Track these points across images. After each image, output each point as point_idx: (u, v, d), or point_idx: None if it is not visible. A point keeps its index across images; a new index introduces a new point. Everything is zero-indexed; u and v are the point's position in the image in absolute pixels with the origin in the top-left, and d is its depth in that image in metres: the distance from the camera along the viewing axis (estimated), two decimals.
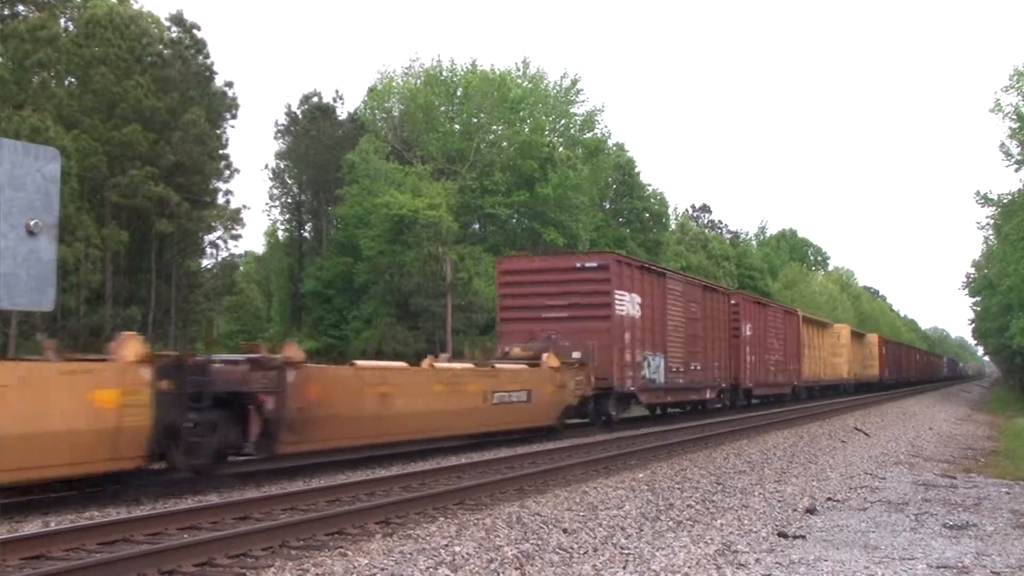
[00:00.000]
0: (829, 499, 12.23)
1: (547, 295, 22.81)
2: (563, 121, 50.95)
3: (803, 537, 9.44)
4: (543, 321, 22.62)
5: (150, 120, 34.90)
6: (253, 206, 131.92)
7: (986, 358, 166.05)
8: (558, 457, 15.88)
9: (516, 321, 23.07)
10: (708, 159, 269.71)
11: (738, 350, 31.61)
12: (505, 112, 45.63)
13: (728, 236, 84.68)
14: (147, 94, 34.65)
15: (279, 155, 49.64)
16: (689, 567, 7.88)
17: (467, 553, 8.01)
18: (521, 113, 47.02)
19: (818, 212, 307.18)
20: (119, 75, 34.04)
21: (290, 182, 49.90)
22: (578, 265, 23.42)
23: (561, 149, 46.23)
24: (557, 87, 49.99)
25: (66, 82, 35.24)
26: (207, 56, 39.59)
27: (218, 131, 39.52)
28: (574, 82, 50.36)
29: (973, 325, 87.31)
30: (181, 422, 11.49)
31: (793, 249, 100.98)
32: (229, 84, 41.17)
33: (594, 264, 23.24)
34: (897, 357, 75.56)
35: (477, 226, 46.80)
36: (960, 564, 8.29)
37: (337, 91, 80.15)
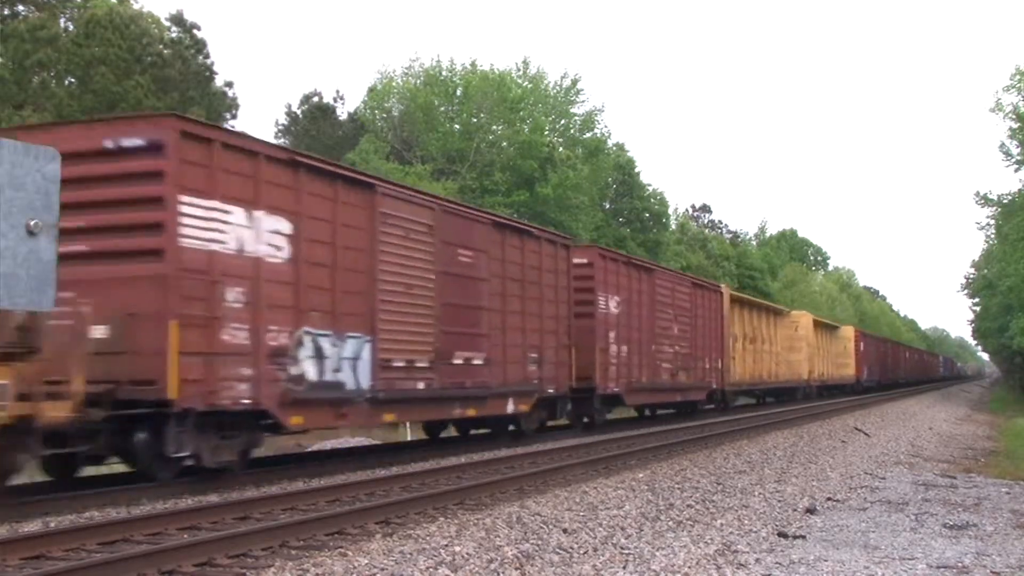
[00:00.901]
0: (829, 499, 12.23)
1: None
2: (563, 121, 50.92)
3: (803, 537, 9.44)
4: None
5: None
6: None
7: (986, 358, 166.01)
8: (558, 457, 15.88)
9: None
10: (708, 159, 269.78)
11: (592, 335, 22.04)
12: (505, 112, 45.60)
13: (728, 236, 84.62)
14: (147, 94, 34.60)
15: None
16: (689, 567, 7.88)
17: (467, 553, 8.01)
18: (521, 113, 46.98)
19: (818, 212, 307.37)
20: (119, 75, 34.00)
21: None
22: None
23: (561, 149, 46.21)
24: (557, 87, 49.98)
25: (66, 82, 35.20)
26: (207, 56, 39.56)
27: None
28: (574, 82, 50.35)
29: (973, 325, 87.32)
30: None
31: (793, 249, 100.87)
32: (229, 84, 41.12)
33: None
34: (882, 355, 68.01)
35: None
36: (960, 564, 8.29)
37: (337, 91, 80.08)
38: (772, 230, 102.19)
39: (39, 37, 32.79)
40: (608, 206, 53.85)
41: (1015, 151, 38.89)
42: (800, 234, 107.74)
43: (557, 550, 8.36)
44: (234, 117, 41.34)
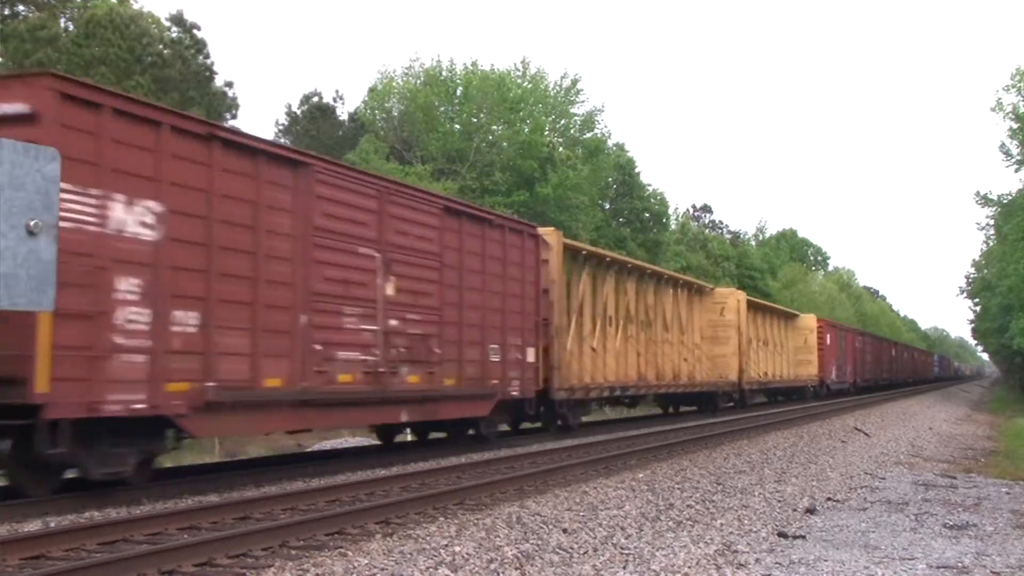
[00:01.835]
0: (829, 499, 12.23)
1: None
2: (563, 121, 50.92)
3: (803, 537, 9.44)
4: None
5: None
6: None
7: (986, 358, 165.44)
8: (558, 457, 15.88)
9: None
10: (709, 159, 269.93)
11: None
12: (505, 112, 45.60)
13: (728, 236, 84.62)
14: (147, 94, 34.61)
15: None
16: (689, 567, 7.88)
17: (467, 553, 8.01)
18: (521, 113, 46.99)
19: (818, 212, 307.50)
20: (119, 75, 34.01)
21: None
22: None
23: (561, 149, 46.21)
24: (557, 87, 49.97)
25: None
26: (207, 56, 39.58)
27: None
28: (574, 82, 50.34)
29: (973, 325, 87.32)
30: None
31: (793, 249, 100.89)
32: (229, 84, 41.14)
33: None
34: (859, 351, 57.17)
35: None
36: (960, 564, 8.29)
37: (337, 91, 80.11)
38: (772, 230, 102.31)
39: (39, 37, 32.80)
40: (608, 206, 53.85)
41: (1015, 151, 38.91)
42: (800, 234, 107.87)
43: (557, 550, 8.36)
44: (234, 117, 41.35)
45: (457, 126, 46.26)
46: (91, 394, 9.88)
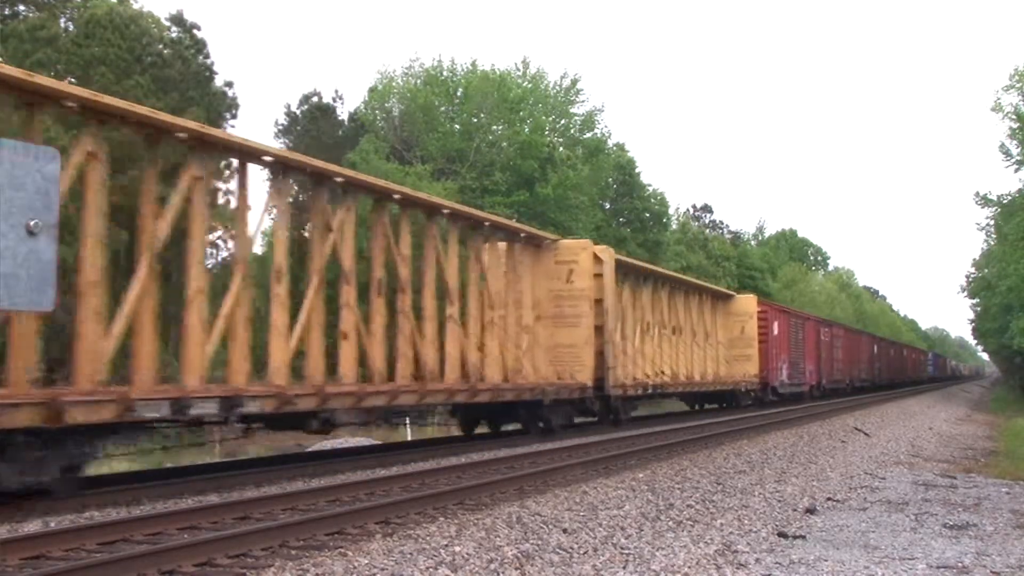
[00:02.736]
0: (829, 499, 12.23)
1: None
2: (563, 121, 50.98)
3: (803, 537, 9.44)
4: None
5: None
6: (253, 206, 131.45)
7: (986, 358, 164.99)
8: (558, 457, 15.88)
9: None
10: (709, 159, 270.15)
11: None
12: (505, 112, 45.65)
13: (729, 236, 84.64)
14: (147, 94, 34.59)
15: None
16: (689, 567, 7.88)
17: (467, 553, 8.01)
18: (521, 113, 47.03)
19: (818, 212, 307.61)
20: (119, 75, 34.02)
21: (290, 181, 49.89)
22: None
23: (561, 149, 46.25)
24: (557, 87, 50.06)
25: (66, 82, 35.22)
26: (207, 56, 39.59)
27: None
28: (574, 82, 50.41)
29: (973, 325, 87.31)
30: None
31: (793, 249, 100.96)
32: (229, 84, 41.15)
33: None
34: (825, 346, 46.41)
35: None
36: (960, 564, 8.29)
37: (337, 91, 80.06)
38: (772, 230, 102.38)
39: (39, 37, 32.81)
40: (608, 206, 53.88)
41: (1015, 151, 38.91)
42: (800, 234, 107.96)
43: (557, 550, 8.36)
44: (234, 117, 41.35)
45: (457, 126, 46.31)
46: None
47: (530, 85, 48.67)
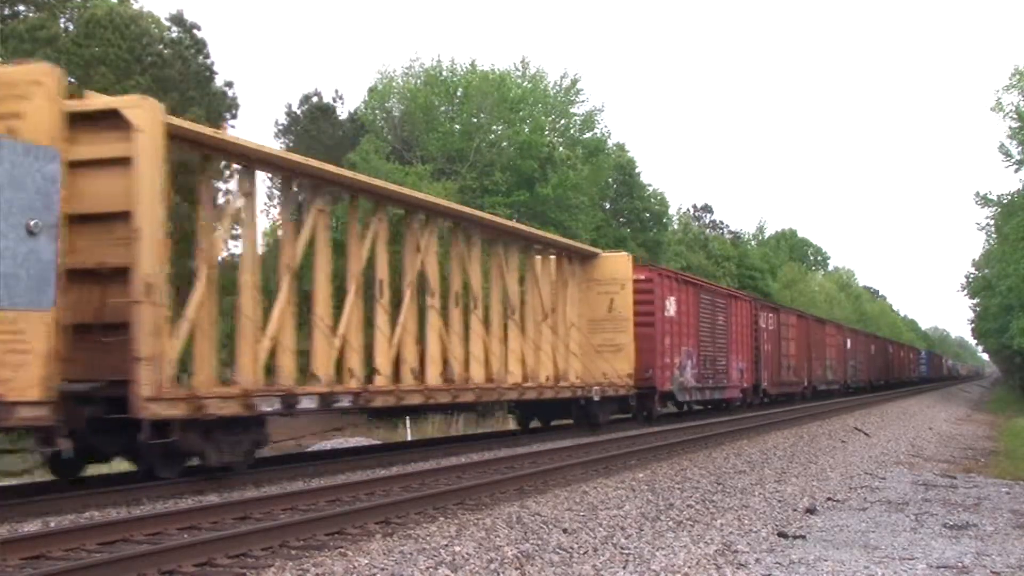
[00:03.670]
0: (829, 499, 12.23)
1: None
2: (563, 121, 50.94)
3: (803, 537, 9.44)
4: None
5: None
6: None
7: (986, 358, 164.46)
8: (558, 457, 15.88)
9: None
10: (709, 159, 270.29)
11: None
12: (505, 112, 45.61)
13: (729, 236, 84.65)
14: (147, 94, 34.59)
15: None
16: (689, 567, 7.88)
17: (467, 553, 8.01)
18: (521, 113, 47.00)
19: (818, 212, 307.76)
20: (119, 75, 34.01)
21: None
22: None
23: (561, 149, 46.23)
24: (557, 87, 50.00)
25: (66, 82, 35.18)
26: (207, 56, 39.59)
27: (218, 131, 39.45)
28: (574, 82, 50.36)
29: (973, 325, 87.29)
30: None
31: (793, 249, 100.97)
32: (229, 84, 41.13)
33: None
34: (767, 336, 35.08)
35: None
36: (960, 564, 8.29)
37: (337, 91, 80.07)
38: (772, 230, 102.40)
39: (39, 37, 32.80)
40: (608, 206, 53.87)
41: (1015, 151, 38.90)
42: (800, 234, 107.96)
43: (557, 550, 8.36)
44: (234, 117, 41.38)
45: (457, 126, 46.28)
46: None
47: (530, 85, 48.63)
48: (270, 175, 15.69)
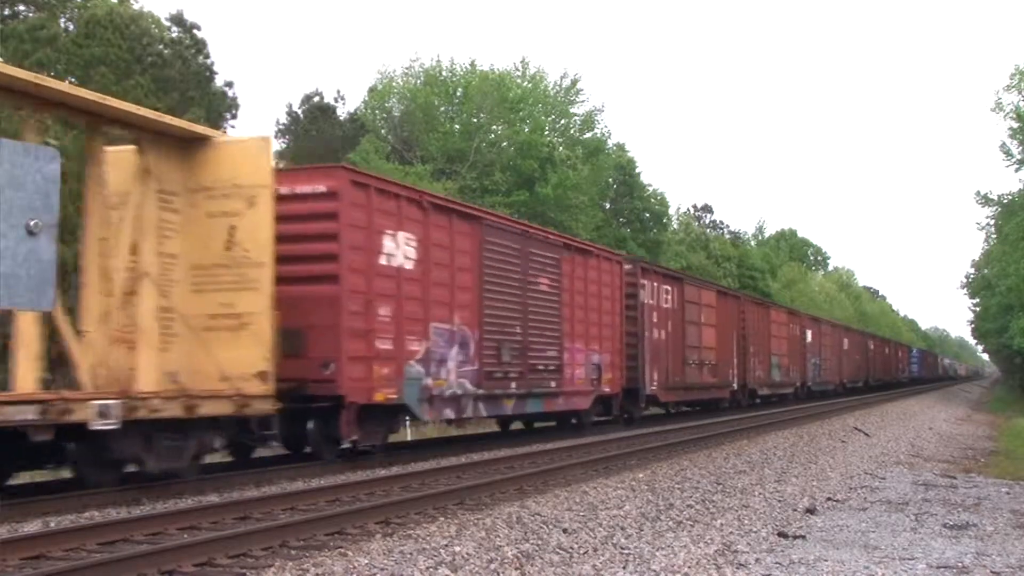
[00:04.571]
0: (829, 499, 12.23)
1: None
2: (563, 121, 50.93)
3: (803, 537, 9.44)
4: None
5: None
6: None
7: (986, 358, 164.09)
8: (558, 457, 15.88)
9: None
10: (709, 159, 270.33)
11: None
12: (505, 112, 45.61)
13: (729, 236, 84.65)
14: (147, 94, 34.55)
15: (280, 155, 49.64)
16: (689, 567, 7.88)
17: (467, 553, 8.01)
18: (521, 113, 47.00)
19: (818, 212, 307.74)
20: (119, 75, 33.98)
21: None
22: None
23: (561, 149, 46.22)
24: (557, 87, 50.00)
25: (66, 82, 35.20)
26: (207, 56, 39.58)
27: (219, 131, 39.34)
28: (574, 82, 50.34)
29: (973, 325, 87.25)
30: None
31: (793, 249, 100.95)
32: (229, 84, 41.12)
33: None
34: (662, 317, 25.53)
35: None
36: (960, 564, 8.29)
37: (337, 91, 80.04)
38: (771, 230, 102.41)
39: (39, 37, 32.80)
40: (608, 206, 53.87)
41: (1015, 151, 38.93)
42: (800, 234, 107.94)
43: (557, 550, 8.36)
44: (234, 117, 41.37)
45: (457, 126, 46.28)
46: None
47: (530, 85, 48.62)
48: None
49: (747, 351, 33.62)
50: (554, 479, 13.12)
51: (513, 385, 18.21)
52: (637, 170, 54.53)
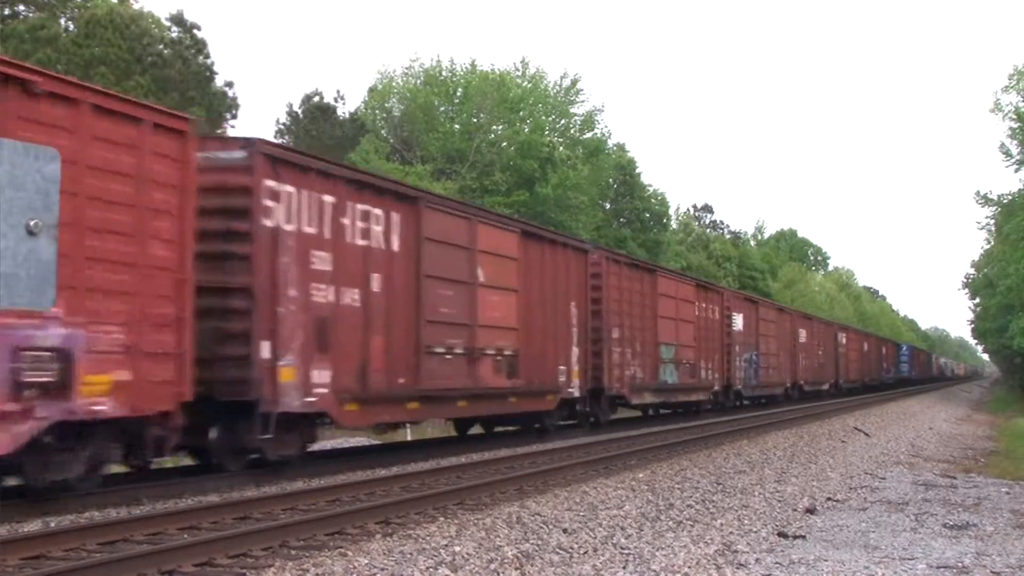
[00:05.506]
0: (829, 499, 12.23)
1: None
2: (563, 121, 50.92)
3: (803, 537, 9.44)
4: None
5: None
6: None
7: (986, 357, 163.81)
8: (558, 457, 15.87)
9: None
10: (709, 159, 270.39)
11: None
12: (505, 112, 45.62)
13: (729, 236, 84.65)
14: (147, 94, 34.59)
15: None
16: (689, 567, 7.88)
17: (467, 553, 8.01)
18: (521, 113, 47.00)
19: (818, 212, 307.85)
20: (119, 75, 33.99)
21: None
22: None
23: (561, 149, 46.22)
24: (557, 87, 49.99)
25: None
26: (207, 56, 39.57)
27: (219, 131, 39.16)
28: (574, 82, 50.34)
29: (973, 325, 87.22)
30: None
31: (793, 249, 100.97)
32: (229, 84, 41.09)
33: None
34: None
35: None
36: (960, 564, 8.29)
37: (337, 91, 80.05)
38: (771, 230, 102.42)
39: (39, 37, 32.80)
40: (608, 206, 53.87)
41: (1015, 151, 38.94)
42: (800, 234, 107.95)
43: (557, 550, 8.36)
44: (234, 117, 41.34)
45: (457, 126, 46.28)
46: None
47: (530, 85, 48.62)
48: None
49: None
50: (554, 479, 13.12)
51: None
52: (637, 170, 54.54)
